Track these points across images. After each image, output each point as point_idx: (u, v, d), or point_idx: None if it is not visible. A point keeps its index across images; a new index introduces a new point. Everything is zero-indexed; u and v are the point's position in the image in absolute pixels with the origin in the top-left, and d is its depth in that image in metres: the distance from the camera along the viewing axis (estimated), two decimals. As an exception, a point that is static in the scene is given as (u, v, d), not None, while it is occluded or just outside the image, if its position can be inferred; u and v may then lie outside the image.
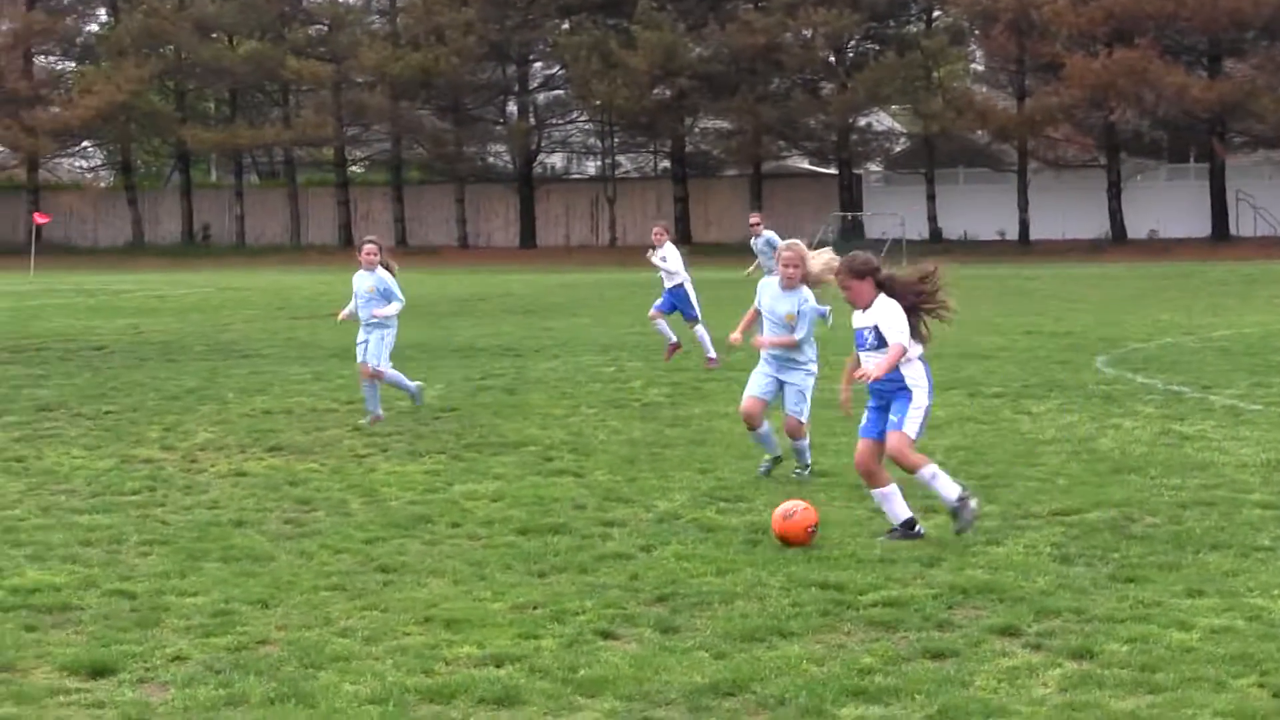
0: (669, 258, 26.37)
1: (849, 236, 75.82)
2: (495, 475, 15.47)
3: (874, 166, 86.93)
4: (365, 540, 12.60)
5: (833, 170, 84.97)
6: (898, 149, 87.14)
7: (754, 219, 32.21)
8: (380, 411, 19.27)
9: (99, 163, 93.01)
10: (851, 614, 10.18)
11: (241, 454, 16.97)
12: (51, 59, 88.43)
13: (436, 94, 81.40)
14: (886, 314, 12.38)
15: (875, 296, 12.47)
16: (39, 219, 63.46)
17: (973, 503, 12.38)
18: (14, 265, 65.70)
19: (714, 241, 78.51)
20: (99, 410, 20.54)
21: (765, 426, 15.03)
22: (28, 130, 79.45)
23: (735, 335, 15.83)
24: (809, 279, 14.45)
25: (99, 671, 9.21)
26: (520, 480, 15.19)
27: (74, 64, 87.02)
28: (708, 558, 11.76)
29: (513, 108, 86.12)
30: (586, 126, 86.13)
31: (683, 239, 78.72)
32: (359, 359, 19.52)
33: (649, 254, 26.95)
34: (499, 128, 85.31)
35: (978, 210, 79.60)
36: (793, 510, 12.25)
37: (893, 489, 12.47)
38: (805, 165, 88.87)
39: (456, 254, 77.06)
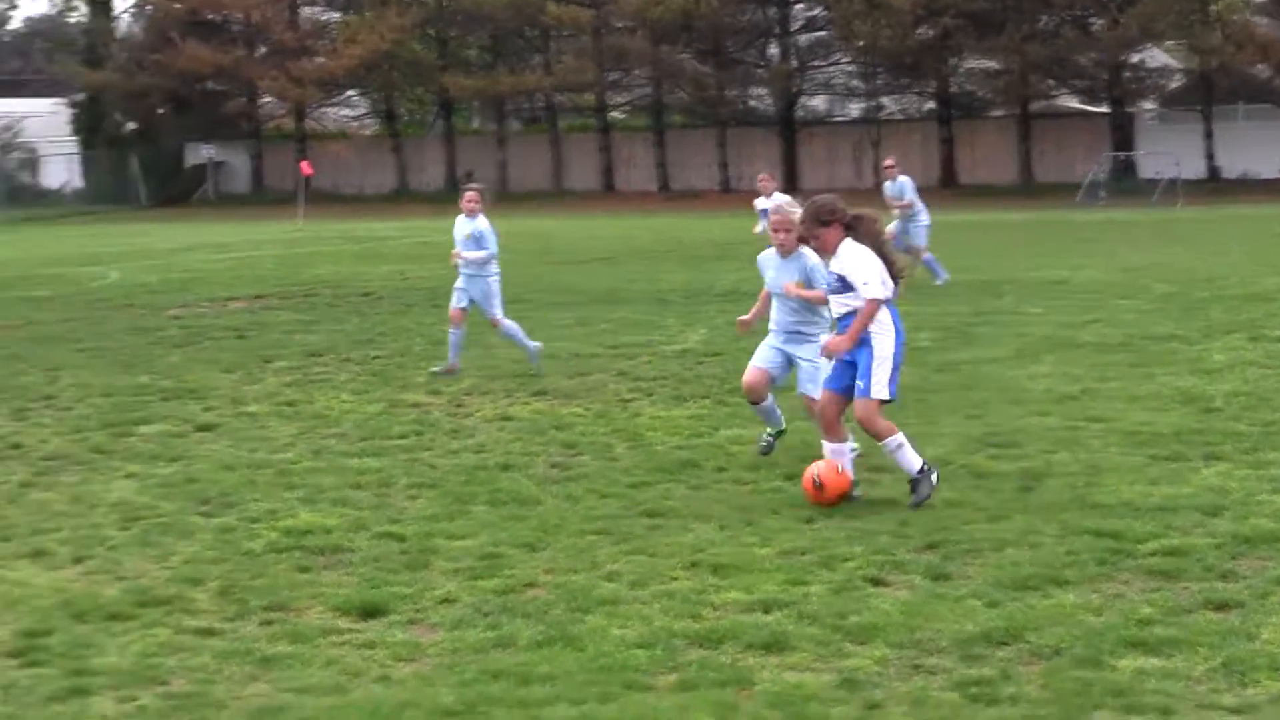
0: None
1: (1120, 177, 74.30)
2: (760, 421, 15.34)
3: (1147, 104, 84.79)
4: (631, 485, 12.58)
5: (1104, 109, 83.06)
6: (1173, 86, 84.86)
7: (889, 162, 30.93)
8: (458, 363, 18.97)
9: (363, 111, 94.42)
10: (1129, 563, 9.90)
11: (507, 398, 17.07)
12: (316, 9, 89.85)
13: (697, 37, 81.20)
14: (854, 261, 11.68)
15: (841, 241, 11.78)
16: (305, 169, 64.54)
17: (933, 477, 11.75)
18: (283, 213, 67.02)
19: (981, 183, 77.44)
20: (367, 355, 20.83)
21: (769, 400, 13.60)
22: (294, 80, 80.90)
23: (745, 318, 13.82)
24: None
25: (370, 612, 9.31)
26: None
27: (338, 14, 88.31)
28: (978, 504, 11.54)
29: (774, 50, 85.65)
30: (849, 68, 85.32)
31: (947, 181, 77.82)
32: (453, 305, 19.22)
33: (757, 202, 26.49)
34: (760, 71, 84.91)
35: (1259, 148, 77.15)
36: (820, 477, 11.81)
37: (848, 446, 12.01)
38: (1075, 104, 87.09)
39: (718, 198, 76.87)
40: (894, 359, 11.72)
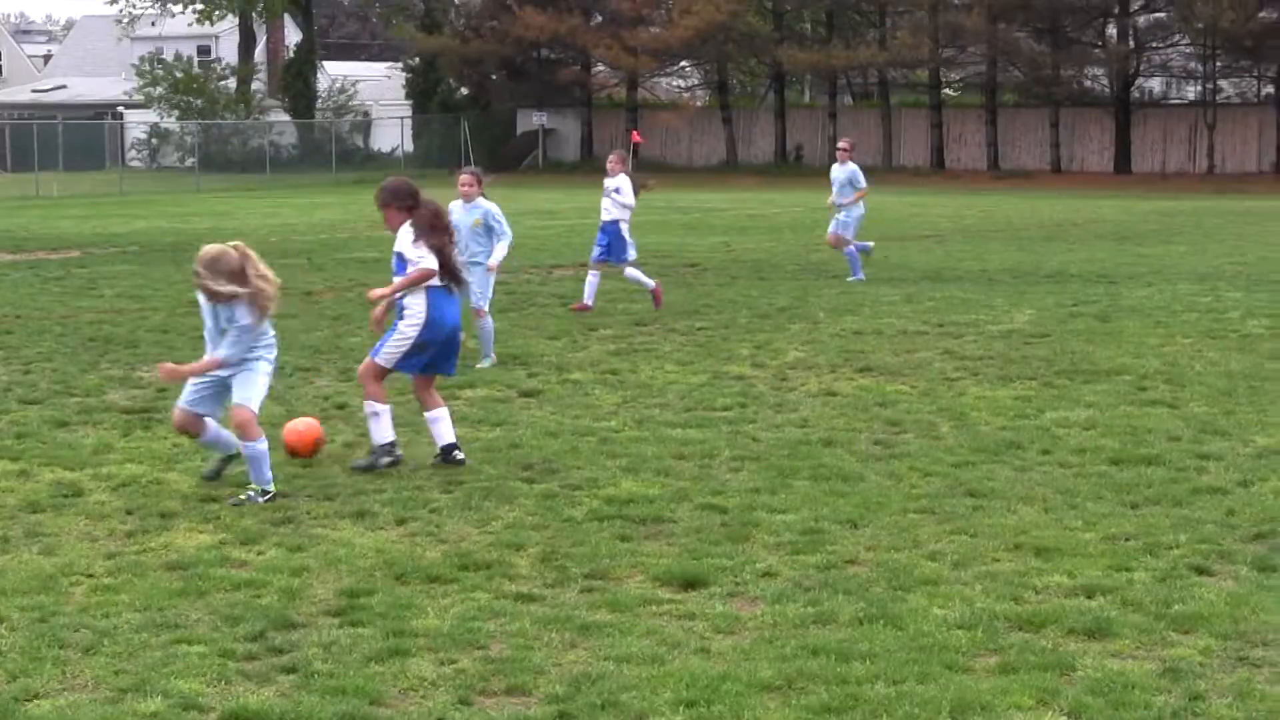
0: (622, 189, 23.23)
1: None
2: (1087, 403, 15.00)
3: None
4: (954, 464, 12.37)
5: None
6: None
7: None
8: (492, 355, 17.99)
9: (695, 82, 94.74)
10: None
11: (831, 373, 16.91)
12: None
13: (1035, 15, 79.75)
14: (404, 239, 12.48)
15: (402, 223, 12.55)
16: (636, 138, 64.90)
17: (384, 461, 12.31)
18: (613, 183, 67.63)
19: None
20: (691, 326, 20.83)
21: None
22: (628, 49, 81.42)
23: None
24: None
25: (690, 583, 9.27)
26: (1113, 409, 14.68)
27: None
28: (1314, 497, 11.13)
29: (1112, 30, 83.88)
30: (1187, 50, 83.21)
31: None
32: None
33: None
34: (1097, 51, 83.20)
35: None
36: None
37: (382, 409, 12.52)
38: None
39: (1049, 178, 75.57)
40: (410, 341, 12.42)
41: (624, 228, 22.59)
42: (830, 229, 27.70)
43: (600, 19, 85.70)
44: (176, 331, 20.48)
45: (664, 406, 15.05)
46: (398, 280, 12.54)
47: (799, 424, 14.10)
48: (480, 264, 17.59)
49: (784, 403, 15.20)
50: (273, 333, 11.90)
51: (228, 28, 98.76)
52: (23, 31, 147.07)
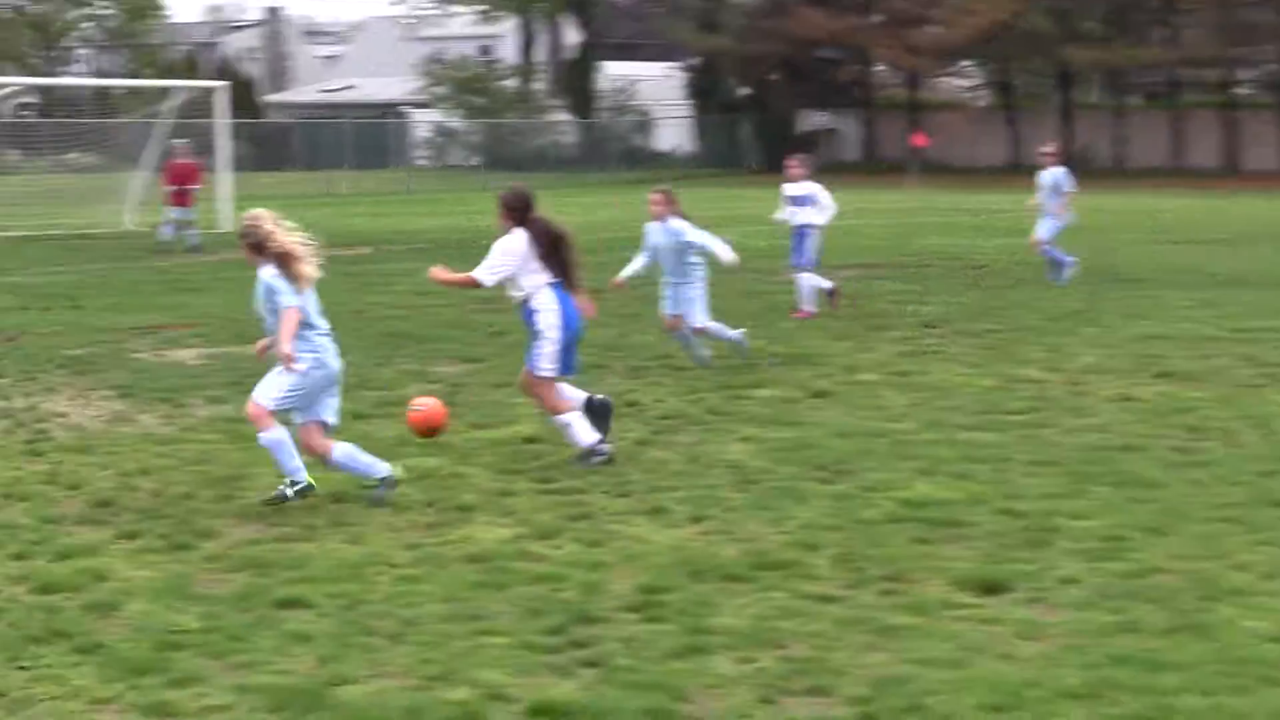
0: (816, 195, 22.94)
1: None
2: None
3: None
4: (1260, 473, 12.05)
5: None
6: None
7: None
8: (743, 341, 17.74)
9: (978, 82, 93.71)
10: None
11: (1128, 379, 16.58)
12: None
13: (1333, 12, 77.51)
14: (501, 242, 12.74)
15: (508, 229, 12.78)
16: (919, 141, 64.49)
17: (595, 461, 12.44)
18: (894, 182, 67.15)
19: None
20: (981, 329, 20.59)
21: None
22: (910, 49, 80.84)
23: None
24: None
25: (991, 588, 9.16)
26: None
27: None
28: None
29: None
30: None
31: None
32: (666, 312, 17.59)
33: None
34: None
35: None
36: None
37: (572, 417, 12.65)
38: None
39: (1347, 180, 73.33)
40: (558, 339, 12.59)
41: (815, 234, 22.23)
42: (1036, 232, 27.03)
43: (881, 18, 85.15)
44: (468, 327, 20.79)
45: (956, 409, 14.90)
46: (457, 275, 12.99)
47: (1097, 429, 13.85)
48: (675, 282, 17.23)
49: (1080, 407, 14.94)
50: (319, 339, 11.39)
51: (508, 28, 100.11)
52: (311, 34, 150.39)
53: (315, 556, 9.95)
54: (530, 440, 13.59)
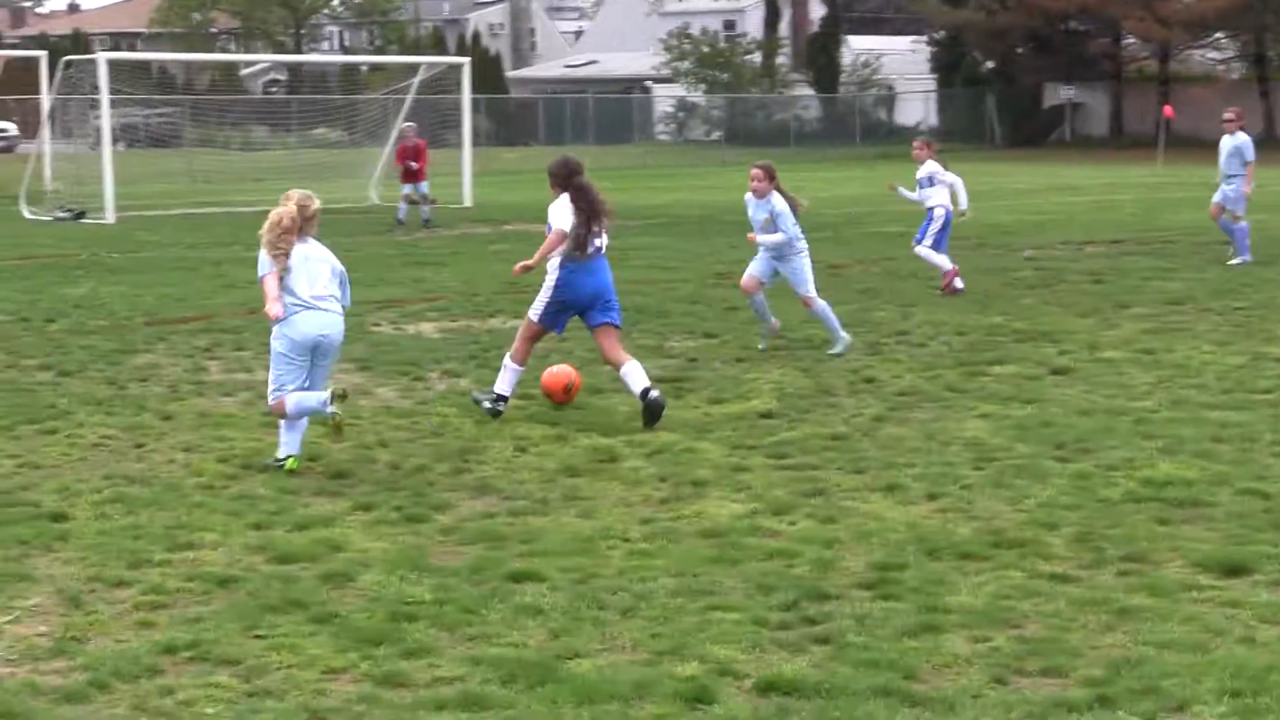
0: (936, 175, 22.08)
1: None
2: None
3: None
4: None
5: None
6: None
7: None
8: (774, 321, 17.28)
9: (1231, 54, 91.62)
10: None
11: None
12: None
13: None
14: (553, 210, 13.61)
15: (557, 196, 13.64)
16: (1168, 112, 63.16)
17: (486, 405, 13.52)
18: (1142, 157, 65.94)
19: None
20: (1228, 306, 20.13)
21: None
22: (1160, 21, 79.24)
23: None
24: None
25: (1233, 570, 8.95)
26: None
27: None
28: None
29: None
30: None
31: None
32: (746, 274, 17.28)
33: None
34: None
35: None
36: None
37: (632, 365, 13.41)
38: None
39: None
40: (550, 299, 13.57)
41: (939, 215, 21.77)
42: (1215, 199, 26.17)
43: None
44: (705, 303, 20.80)
45: (1201, 387, 14.58)
46: (539, 250, 13.60)
47: (1349, 409, 13.49)
48: (786, 257, 16.93)
49: (1333, 388, 14.55)
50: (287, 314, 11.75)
51: (753, 2, 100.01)
52: (555, 9, 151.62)
53: (548, 530, 10.02)
54: (766, 415, 13.57)
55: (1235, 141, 26.07)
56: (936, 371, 15.57)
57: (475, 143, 47.91)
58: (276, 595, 8.70)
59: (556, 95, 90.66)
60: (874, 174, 54.79)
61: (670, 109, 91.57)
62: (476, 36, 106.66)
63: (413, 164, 34.52)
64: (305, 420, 11.90)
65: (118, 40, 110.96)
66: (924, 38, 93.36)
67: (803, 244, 16.95)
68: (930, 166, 21.90)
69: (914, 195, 22.12)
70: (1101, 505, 10.40)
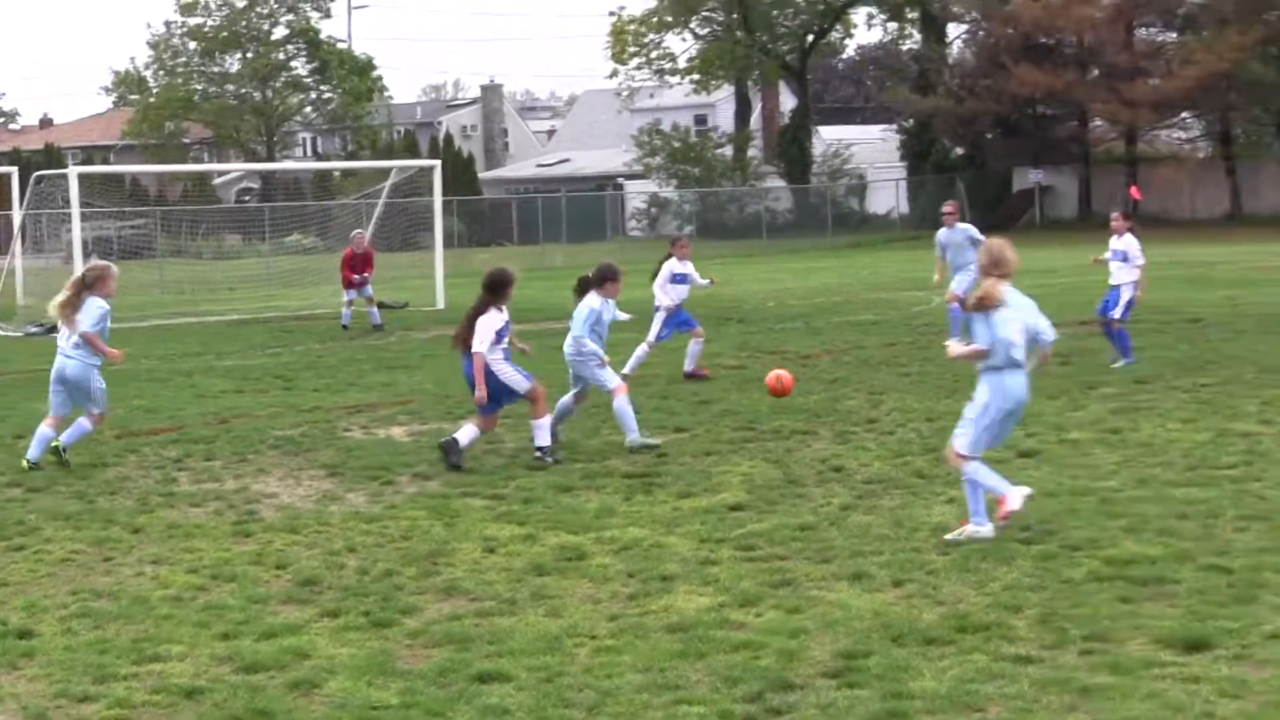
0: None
1: None
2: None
3: None
4: None
5: None
6: None
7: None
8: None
9: (1196, 133, 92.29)
10: None
11: (1345, 429, 16.21)
12: (1152, 30, 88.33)
13: None
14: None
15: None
16: (1134, 193, 63.59)
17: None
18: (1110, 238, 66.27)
19: None
20: (1194, 383, 20.25)
21: None
22: (1126, 103, 79.79)
23: None
24: None
25: (1194, 646, 9.02)
26: None
27: (1175, 35, 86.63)
28: None
29: None
30: None
31: None
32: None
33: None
34: None
35: None
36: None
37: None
38: None
39: None
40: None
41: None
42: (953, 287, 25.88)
43: (1097, 73, 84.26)
44: (675, 398, 20.86)
45: (1166, 465, 14.68)
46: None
47: (1310, 482, 13.58)
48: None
49: (1294, 460, 14.65)
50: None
51: (723, 96, 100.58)
52: (528, 109, 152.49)
53: (516, 630, 10.05)
54: (735, 508, 13.62)
55: (953, 235, 25.99)
56: (905, 458, 15.64)
57: (448, 244, 48.08)
58: (243, 705, 8.71)
59: (529, 195, 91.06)
60: (846, 263, 55.10)
61: (642, 205, 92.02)
62: (449, 139, 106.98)
63: (362, 275, 34.45)
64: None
65: (91, 154, 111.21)
66: (894, 126, 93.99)
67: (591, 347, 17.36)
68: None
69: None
70: (1065, 585, 10.46)
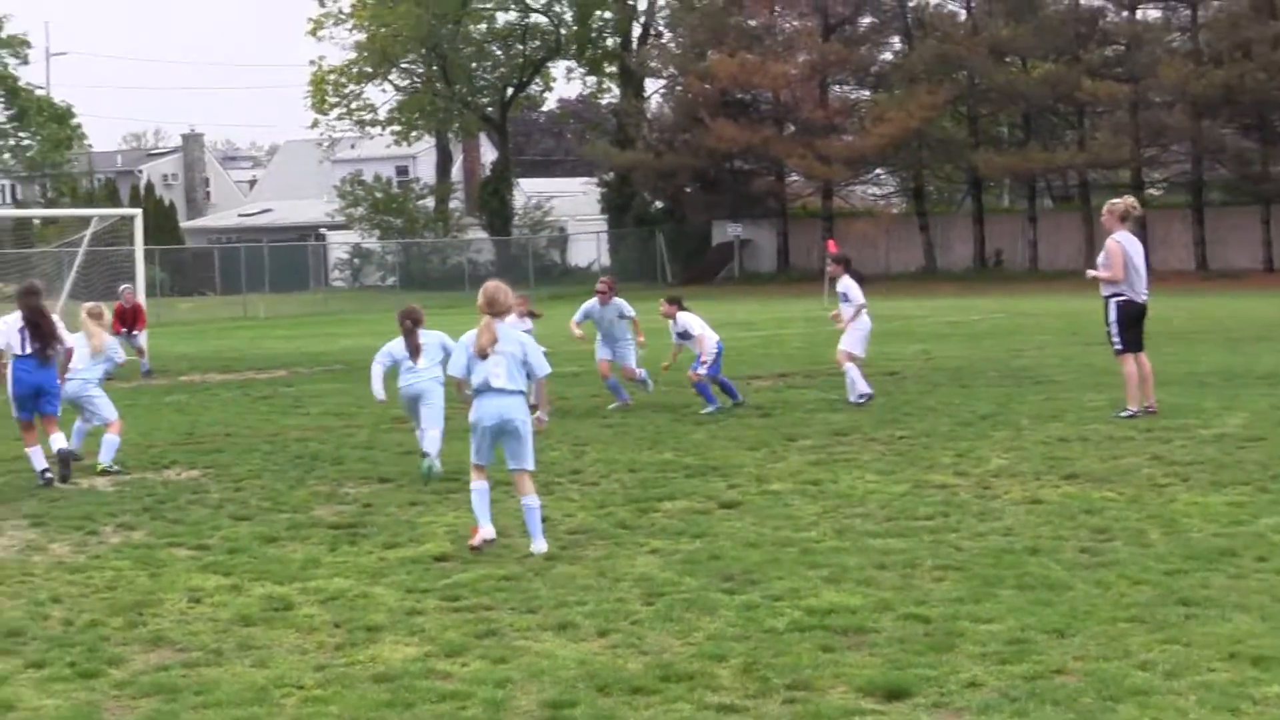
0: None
1: None
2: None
3: None
4: (1165, 572, 12.11)
5: None
6: None
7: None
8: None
9: (891, 189, 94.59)
10: None
11: (1036, 481, 16.69)
12: (846, 88, 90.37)
13: (1241, 111, 78.12)
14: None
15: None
16: (831, 247, 65.04)
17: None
18: (808, 291, 67.54)
19: None
20: (892, 435, 20.69)
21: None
22: (822, 159, 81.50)
23: None
24: None
25: (894, 694, 9.17)
26: (1329, 513, 14.34)
27: (868, 93, 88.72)
28: None
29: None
30: None
31: None
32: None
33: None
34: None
35: None
36: None
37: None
38: None
39: (1261, 278, 73.81)
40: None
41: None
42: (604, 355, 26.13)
43: (793, 129, 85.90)
44: (380, 448, 20.76)
45: (865, 516, 14.96)
46: None
47: (1003, 532, 13.92)
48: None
49: (987, 511, 15.03)
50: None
51: (425, 148, 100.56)
52: (229, 159, 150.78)
53: (223, 681, 9.89)
54: (440, 558, 13.57)
55: (606, 312, 25.69)
56: (608, 509, 15.74)
57: (150, 293, 47.26)
58: (-65, 763, 8.46)
59: (232, 244, 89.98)
60: (549, 314, 55.27)
61: (345, 255, 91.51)
62: (150, 187, 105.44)
63: (132, 331, 34.17)
64: None
65: None
66: (594, 179, 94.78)
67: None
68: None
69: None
70: (768, 635, 10.59)
